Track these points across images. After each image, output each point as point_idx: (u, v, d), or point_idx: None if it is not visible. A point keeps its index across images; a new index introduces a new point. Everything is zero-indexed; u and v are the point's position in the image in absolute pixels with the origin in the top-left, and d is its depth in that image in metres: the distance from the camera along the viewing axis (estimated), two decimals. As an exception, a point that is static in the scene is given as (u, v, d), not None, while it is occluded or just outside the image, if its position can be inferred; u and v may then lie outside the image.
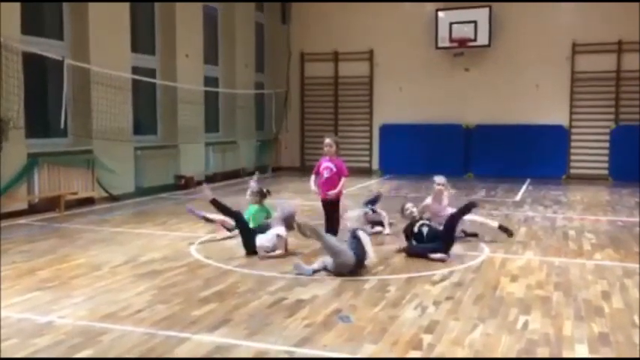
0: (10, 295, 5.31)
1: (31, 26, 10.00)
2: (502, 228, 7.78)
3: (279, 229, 6.87)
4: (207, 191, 7.20)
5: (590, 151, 15.60)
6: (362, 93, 17.31)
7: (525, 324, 4.62)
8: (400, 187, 13.67)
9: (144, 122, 13.14)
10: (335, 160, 7.71)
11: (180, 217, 9.45)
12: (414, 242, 6.97)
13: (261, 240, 6.80)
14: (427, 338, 4.31)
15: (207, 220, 7.87)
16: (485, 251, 7.09)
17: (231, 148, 15.32)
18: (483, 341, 4.28)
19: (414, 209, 7.30)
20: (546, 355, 4.06)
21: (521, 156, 15.71)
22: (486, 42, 15.71)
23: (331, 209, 7.69)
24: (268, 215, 7.67)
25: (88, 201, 10.68)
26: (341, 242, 6.17)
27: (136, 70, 12.27)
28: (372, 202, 8.69)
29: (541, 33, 15.60)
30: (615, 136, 15.32)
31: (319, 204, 8.08)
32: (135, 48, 12.26)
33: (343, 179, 7.66)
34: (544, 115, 15.73)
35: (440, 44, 16.11)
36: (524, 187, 13.76)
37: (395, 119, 16.81)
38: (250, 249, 6.80)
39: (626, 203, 11.36)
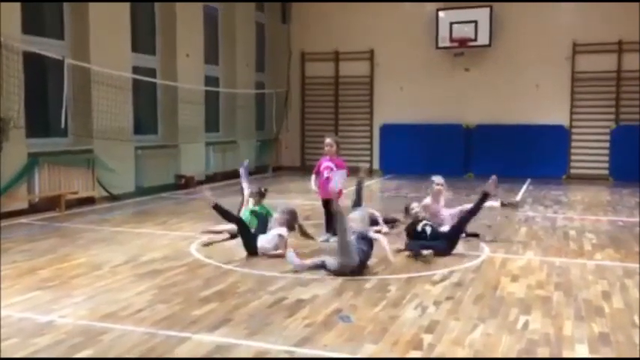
0: (10, 294, 5.31)
1: (31, 26, 10.00)
2: (505, 204, 7.74)
3: (280, 230, 6.87)
4: (206, 192, 7.18)
5: (590, 151, 15.60)
6: (362, 93, 17.31)
7: (526, 324, 4.62)
8: (400, 187, 13.67)
9: (144, 122, 13.14)
10: (335, 159, 7.73)
11: (180, 217, 9.46)
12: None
13: (262, 241, 6.80)
14: (427, 338, 4.31)
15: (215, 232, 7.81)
16: (485, 251, 7.09)
17: (231, 148, 15.32)
18: (484, 341, 4.28)
19: (420, 209, 7.33)
20: (546, 355, 4.06)
21: (522, 156, 15.70)
22: (487, 42, 15.70)
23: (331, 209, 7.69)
24: (268, 214, 7.61)
25: (89, 200, 10.68)
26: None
27: (136, 69, 12.27)
28: (389, 222, 8.43)
29: (541, 33, 15.59)
30: (616, 136, 15.32)
31: (319, 204, 8.10)
32: (135, 48, 12.25)
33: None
34: (544, 115, 15.73)
35: (440, 44, 16.10)
36: (524, 187, 13.76)
37: (395, 119, 16.81)
38: (252, 249, 6.79)
39: (626, 203, 11.36)
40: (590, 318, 4.77)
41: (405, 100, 16.73)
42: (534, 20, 15.65)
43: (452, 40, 15.92)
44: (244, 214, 7.62)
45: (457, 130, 16.33)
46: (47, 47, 10.17)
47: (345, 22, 16.99)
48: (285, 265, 6.36)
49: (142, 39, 12.89)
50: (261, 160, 16.62)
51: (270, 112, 17.42)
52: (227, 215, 6.93)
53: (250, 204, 7.91)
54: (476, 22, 15.66)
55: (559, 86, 15.65)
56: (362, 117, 17.35)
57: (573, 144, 15.75)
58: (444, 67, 16.36)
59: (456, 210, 7.83)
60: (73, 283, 5.70)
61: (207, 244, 7.27)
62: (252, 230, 7.04)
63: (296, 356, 4.03)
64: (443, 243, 6.84)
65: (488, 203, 7.49)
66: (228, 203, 7.99)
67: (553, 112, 15.72)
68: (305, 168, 16.63)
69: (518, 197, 12.06)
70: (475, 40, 15.74)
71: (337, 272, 5.94)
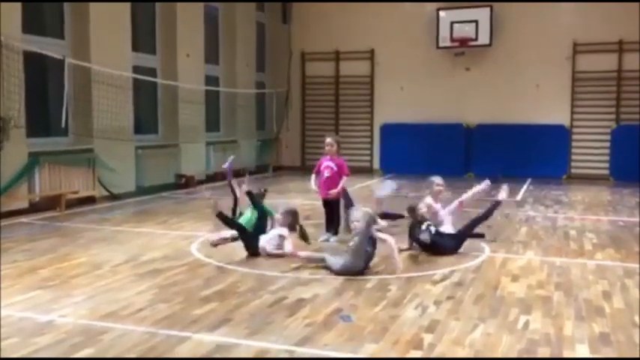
0: (10, 293, 5.31)
1: (32, 25, 10.00)
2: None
3: (281, 230, 6.87)
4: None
5: (591, 150, 15.60)
6: (363, 92, 17.31)
7: (526, 324, 4.62)
8: (401, 187, 13.64)
9: (145, 121, 13.15)
10: (336, 159, 7.72)
11: (180, 216, 9.46)
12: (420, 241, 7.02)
13: (263, 241, 6.80)
14: (428, 338, 4.31)
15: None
16: (485, 251, 7.09)
17: (231, 148, 15.30)
18: (484, 341, 4.28)
19: (426, 210, 7.36)
20: (547, 355, 4.06)
21: (522, 156, 15.70)
22: (487, 41, 15.70)
23: (332, 209, 7.70)
24: (269, 214, 7.55)
25: (89, 200, 10.68)
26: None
27: (136, 69, 12.27)
28: (391, 217, 8.38)
29: (542, 33, 15.59)
30: (616, 136, 15.31)
31: (320, 203, 8.10)
32: (136, 47, 12.25)
33: (344, 179, 7.67)
34: (545, 115, 15.72)
35: (441, 44, 16.09)
36: (525, 186, 13.75)
37: (396, 119, 16.81)
38: (254, 250, 6.77)
39: (627, 203, 11.36)
40: (591, 318, 4.77)
41: (405, 99, 16.72)
42: (535, 20, 15.65)
43: (452, 39, 15.92)
44: (245, 217, 7.50)
45: (457, 130, 16.33)
46: (48, 47, 10.18)
47: (345, 22, 16.99)
48: (285, 264, 6.37)
49: (143, 38, 12.89)
50: (261, 160, 16.64)
51: (270, 112, 17.43)
52: (229, 223, 6.89)
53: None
54: (476, 21, 15.66)
55: (559, 86, 15.64)
56: (362, 117, 17.35)
57: (574, 144, 15.75)
58: (444, 67, 16.36)
59: (454, 204, 7.80)
60: (74, 283, 5.70)
61: (215, 245, 7.19)
62: (251, 229, 7.00)
63: (296, 356, 4.03)
64: (452, 241, 6.94)
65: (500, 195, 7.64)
66: (228, 203, 8.02)
67: (553, 112, 15.72)
68: (305, 168, 16.63)
69: (519, 197, 12.06)
70: (476, 39, 15.74)
71: (339, 272, 5.94)
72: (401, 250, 6.83)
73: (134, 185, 11.88)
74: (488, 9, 15.62)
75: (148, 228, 8.57)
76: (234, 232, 7.07)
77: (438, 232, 7.03)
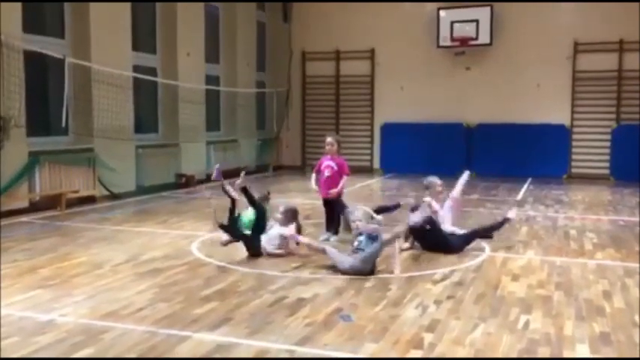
0: (11, 293, 5.31)
1: (32, 24, 10.00)
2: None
3: (282, 230, 6.86)
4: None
5: (591, 150, 15.59)
6: (363, 92, 17.30)
7: (526, 323, 4.62)
8: (401, 187, 13.66)
9: (145, 121, 13.14)
10: (336, 158, 7.72)
11: (181, 216, 9.47)
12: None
13: (264, 241, 6.78)
14: (428, 337, 4.31)
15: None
16: (486, 250, 7.08)
17: (232, 147, 15.32)
18: (484, 341, 4.28)
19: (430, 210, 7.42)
20: (547, 355, 4.06)
21: (523, 155, 15.70)
22: (488, 41, 15.69)
23: (332, 208, 7.70)
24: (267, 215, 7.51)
25: (89, 199, 10.68)
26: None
27: (137, 68, 12.27)
28: (387, 209, 8.43)
29: (542, 32, 15.58)
30: (617, 136, 15.31)
31: (320, 203, 8.09)
32: (136, 46, 12.25)
33: (344, 178, 7.67)
34: (545, 115, 15.72)
35: (441, 43, 16.09)
36: (525, 186, 13.75)
37: (396, 118, 16.80)
38: (255, 250, 6.76)
39: (627, 203, 11.36)
40: (591, 317, 4.77)
41: (405, 99, 16.72)
42: (535, 19, 15.64)
43: (453, 39, 15.92)
44: (247, 218, 7.47)
45: (458, 130, 16.32)
46: (48, 46, 10.17)
47: (345, 22, 16.98)
48: (286, 264, 6.37)
49: (143, 38, 12.89)
50: (261, 159, 16.64)
51: (270, 111, 17.43)
52: (233, 233, 6.86)
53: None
54: (477, 21, 15.66)
55: (560, 85, 15.64)
56: (363, 116, 17.35)
57: (574, 143, 15.75)
58: (444, 67, 16.36)
59: (448, 202, 7.80)
60: (74, 282, 5.70)
61: (226, 244, 7.16)
62: (251, 230, 6.99)
63: (296, 355, 4.03)
64: (460, 240, 7.05)
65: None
66: (227, 203, 8.00)
67: (554, 112, 15.71)
68: (306, 167, 16.65)
69: (519, 196, 12.06)
70: (476, 39, 15.73)
71: (346, 272, 5.94)
72: (402, 250, 6.84)
73: (134, 185, 11.88)
74: (488, 8, 15.61)
75: (149, 227, 8.57)
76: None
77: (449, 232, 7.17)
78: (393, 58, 16.81)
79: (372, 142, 17.29)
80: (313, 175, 7.83)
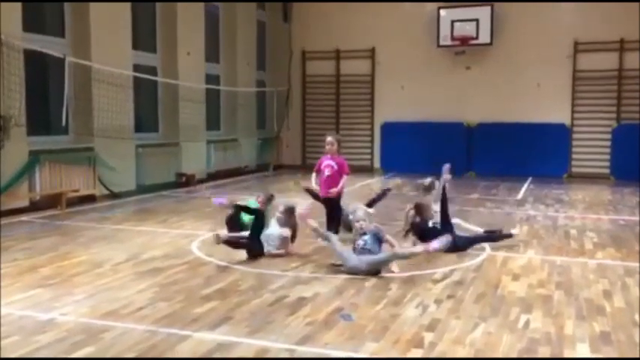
0: (11, 292, 5.31)
1: (32, 24, 9.99)
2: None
3: (282, 230, 6.85)
4: (206, 192, 7.05)
5: (591, 149, 15.59)
6: (363, 91, 17.30)
7: (527, 323, 4.61)
8: (401, 186, 13.65)
9: (145, 120, 13.14)
10: (336, 158, 7.71)
11: (181, 215, 9.47)
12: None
13: (263, 242, 6.77)
14: (428, 337, 4.31)
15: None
16: (486, 250, 7.08)
17: (232, 146, 15.32)
18: (484, 340, 4.27)
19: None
20: (547, 355, 4.05)
21: (523, 154, 15.70)
22: (488, 40, 15.69)
23: (332, 207, 7.69)
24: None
25: (90, 198, 10.68)
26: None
27: (137, 67, 12.27)
28: (378, 198, 8.68)
29: (543, 31, 15.58)
30: (617, 135, 15.31)
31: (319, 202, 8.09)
32: (136, 46, 12.24)
33: (344, 177, 7.66)
34: (545, 114, 15.71)
35: (441, 42, 16.09)
36: (525, 185, 13.75)
37: (396, 117, 16.80)
38: (257, 252, 6.73)
39: (627, 202, 11.35)
40: (591, 317, 4.77)
41: (406, 98, 16.71)
42: (536, 19, 15.64)
43: (453, 38, 15.91)
44: (245, 219, 7.48)
45: (458, 129, 16.32)
46: (48, 45, 10.17)
47: (346, 21, 16.98)
48: (286, 263, 6.37)
49: (143, 37, 12.88)
50: (262, 159, 16.64)
51: (271, 111, 17.42)
52: (237, 246, 6.73)
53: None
54: (477, 20, 15.65)
55: (560, 85, 15.64)
56: (363, 115, 17.34)
57: (574, 143, 15.75)
58: (445, 66, 16.35)
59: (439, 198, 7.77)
60: (74, 281, 5.70)
61: (219, 243, 7.11)
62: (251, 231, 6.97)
63: (297, 355, 4.03)
64: (466, 240, 7.08)
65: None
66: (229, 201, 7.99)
67: (554, 111, 15.71)
68: (306, 166, 16.63)
69: (519, 196, 12.06)
70: (476, 38, 15.73)
71: (348, 270, 5.94)
72: (412, 254, 6.42)
73: (134, 184, 11.88)
74: (489, 8, 15.61)
75: (149, 227, 8.57)
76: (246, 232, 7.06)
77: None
78: (393, 57, 16.80)
79: (372, 142, 17.29)
80: (313, 175, 7.83)
